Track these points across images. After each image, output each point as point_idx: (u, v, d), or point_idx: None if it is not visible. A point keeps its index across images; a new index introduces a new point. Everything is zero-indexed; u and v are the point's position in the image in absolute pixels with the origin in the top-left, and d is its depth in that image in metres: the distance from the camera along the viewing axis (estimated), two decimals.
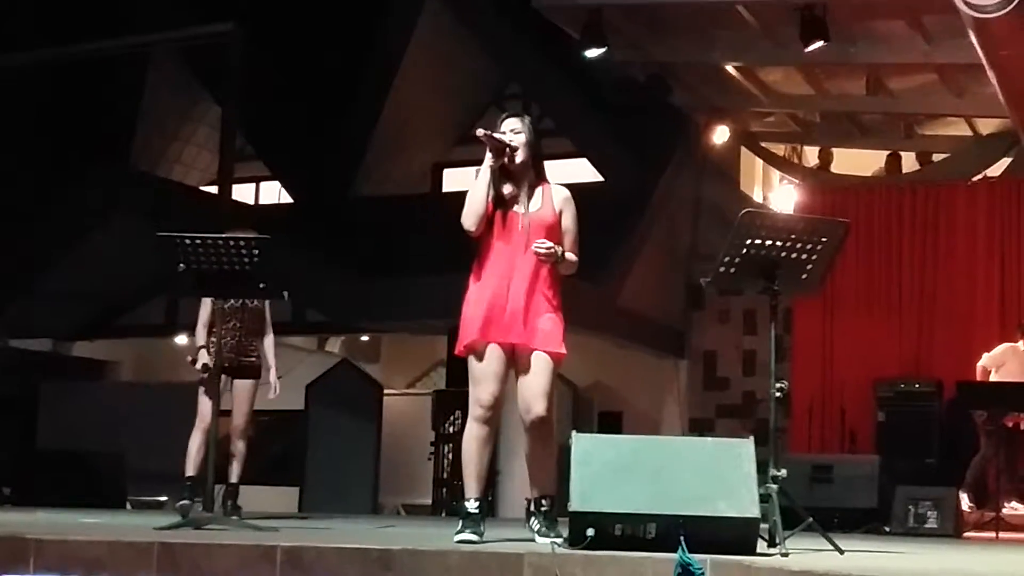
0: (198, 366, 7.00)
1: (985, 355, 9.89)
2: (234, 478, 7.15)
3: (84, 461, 10.73)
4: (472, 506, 4.67)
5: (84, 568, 4.13)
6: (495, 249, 4.71)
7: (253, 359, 7.21)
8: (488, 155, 4.72)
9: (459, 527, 4.60)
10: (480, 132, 4.70)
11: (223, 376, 6.70)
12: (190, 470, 6.92)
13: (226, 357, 6.82)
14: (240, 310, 7.14)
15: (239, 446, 7.17)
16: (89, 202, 13.47)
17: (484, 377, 4.68)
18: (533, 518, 4.79)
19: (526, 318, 4.67)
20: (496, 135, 4.73)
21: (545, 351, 4.68)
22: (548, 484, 4.83)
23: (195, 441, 6.95)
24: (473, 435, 4.71)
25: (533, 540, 4.64)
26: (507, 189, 4.76)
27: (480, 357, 4.68)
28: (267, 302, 7.29)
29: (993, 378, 9.71)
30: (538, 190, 4.79)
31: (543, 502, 4.78)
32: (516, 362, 4.72)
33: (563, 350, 4.73)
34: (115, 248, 12.88)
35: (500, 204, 4.73)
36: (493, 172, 4.71)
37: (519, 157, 4.75)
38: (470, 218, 4.69)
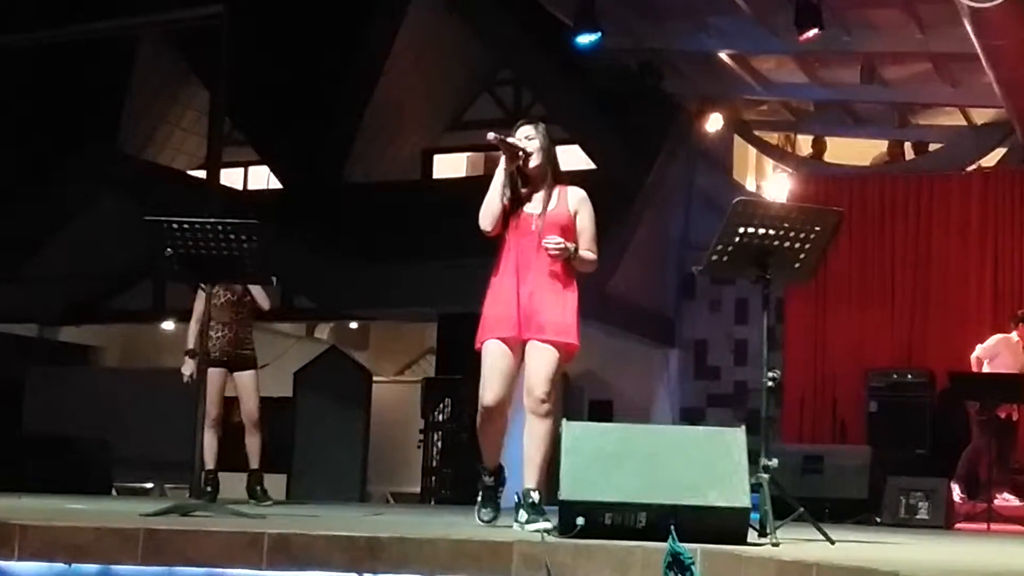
0: (184, 374, 7.30)
1: (979, 346, 9.87)
2: (254, 464, 7.50)
3: (70, 446, 10.68)
4: (488, 480, 5.01)
5: (69, 554, 4.09)
6: (511, 248, 4.93)
7: (248, 351, 7.49)
8: (503, 159, 4.90)
9: (478, 502, 5.07)
10: (491, 136, 4.89)
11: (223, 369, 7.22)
12: (208, 464, 7.22)
13: (224, 351, 7.25)
14: (235, 305, 7.38)
15: (255, 434, 7.50)
16: (76, 186, 13.39)
17: (491, 376, 4.85)
18: (521, 510, 4.81)
19: (540, 313, 4.84)
20: (509, 140, 4.91)
21: (555, 341, 4.84)
22: (540, 474, 4.89)
23: (206, 437, 7.09)
24: (481, 422, 4.94)
25: (521, 530, 4.63)
26: (523, 191, 4.95)
27: (491, 355, 4.86)
28: (257, 291, 7.37)
29: (986, 369, 9.70)
30: (554, 192, 4.97)
31: (532, 494, 4.82)
32: (527, 353, 4.87)
33: (574, 342, 4.90)
34: (102, 233, 12.81)
35: (516, 205, 4.91)
36: (508, 175, 4.89)
37: (533, 162, 4.94)
38: (486, 218, 4.89)
